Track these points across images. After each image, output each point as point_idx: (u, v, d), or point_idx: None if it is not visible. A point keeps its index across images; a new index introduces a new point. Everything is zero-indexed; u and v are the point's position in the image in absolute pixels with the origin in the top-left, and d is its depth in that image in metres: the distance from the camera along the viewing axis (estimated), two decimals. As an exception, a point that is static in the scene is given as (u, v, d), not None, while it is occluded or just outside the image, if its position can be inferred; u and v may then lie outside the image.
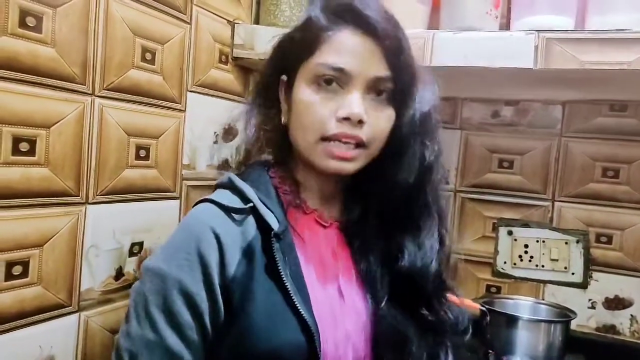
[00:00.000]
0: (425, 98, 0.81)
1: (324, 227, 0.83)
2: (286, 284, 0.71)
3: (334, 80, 0.75)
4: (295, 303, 0.70)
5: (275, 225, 0.73)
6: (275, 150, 0.86)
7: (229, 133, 1.28)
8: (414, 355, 0.79)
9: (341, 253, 0.83)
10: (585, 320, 1.50)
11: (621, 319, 1.48)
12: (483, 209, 1.61)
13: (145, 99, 0.94)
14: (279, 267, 0.71)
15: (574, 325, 1.47)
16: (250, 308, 0.70)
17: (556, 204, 1.55)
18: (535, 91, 1.48)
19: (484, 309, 1.31)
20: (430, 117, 0.81)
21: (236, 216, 0.74)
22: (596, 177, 1.51)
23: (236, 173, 0.82)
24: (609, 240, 1.50)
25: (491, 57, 1.18)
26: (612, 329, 1.49)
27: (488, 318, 1.30)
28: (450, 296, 1.28)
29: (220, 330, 0.71)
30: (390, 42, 0.76)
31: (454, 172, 1.64)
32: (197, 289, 0.70)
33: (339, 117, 0.75)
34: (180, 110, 1.04)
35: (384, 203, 0.81)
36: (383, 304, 0.79)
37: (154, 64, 0.94)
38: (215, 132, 1.23)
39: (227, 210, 0.74)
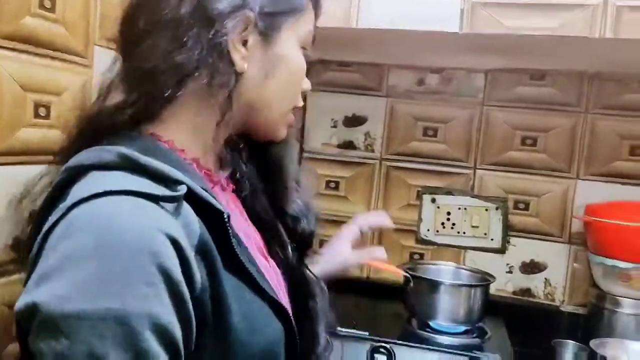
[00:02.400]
0: None
1: (225, 191, 0.74)
2: (252, 275, 0.60)
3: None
4: (266, 291, 0.62)
5: (221, 206, 0.58)
6: (197, 103, 0.63)
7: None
8: (319, 307, 0.76)
9: (244, 214, 0.76)
10: (503, 285, 1.55)
11: (536, 282, 1.54)
12: (408, 177, 1.62)
13: (44, 51, 0.84)
14: (241, 258, 0.59)
15: (492, 289, 1.51)
16: (226, 318, 0.56)
17: (478, 171, 1.57)
18: (460, 58, 1.48)
19: (407, 275, 1.31)
20: None
21: (168, 207, 0.53)
22: (515, 145, 1.54)
23: (105, 144, 0.59)
24: (527, 206, 1.54)
25: (418, 20, 1.16)
26: (527, 292, 1.54)
27: (411, 284, 1.31)
28: (373, 261, 1.27)
29: (193, 355, 0.54)
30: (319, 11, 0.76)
31: (379, 141, 1.63)
32: (170, 317, 0.50)
33: (304, 90, 0.74)
34: (85, 66, 0.94)
35: (266, 156, 0.78)
36: (290, 257, 0.76)
37: (54, 12, 0.85)
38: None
39: (157, 200, 0.52)
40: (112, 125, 0.61)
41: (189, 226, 0.54)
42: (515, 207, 1.55)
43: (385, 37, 1.27)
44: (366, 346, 1.22)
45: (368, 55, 1.58)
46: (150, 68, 0.60)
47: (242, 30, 0.63)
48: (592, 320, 1.40)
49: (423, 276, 1.33)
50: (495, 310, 1.43)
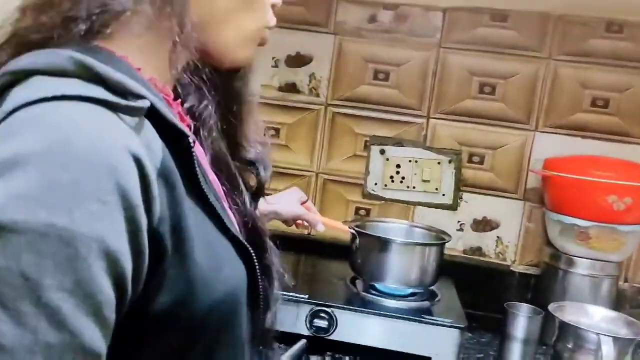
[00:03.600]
0: None
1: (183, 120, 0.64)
2: (217, 210, 0.54)
3: None
4: (230, 230, 0.55)
5: (186, 130, 0.51)
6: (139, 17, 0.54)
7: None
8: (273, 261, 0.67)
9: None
10: (454, 243, 1.44)
11: (487, 241, 1.44)
12: (355, 126, 1.47)
13: None
14: (205, 190, 0.52)
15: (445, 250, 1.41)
16: (189, 252, 0.49)
17: (431, 121, 1.44)
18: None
19: (353, 231, 1.18)
20: None
21: (128, 120, 0.46)
22: (473, 93, 1.42)
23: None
24: (481, 160, 1.43)
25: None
26: (478, 250, 1.45)
27: (357, 241, 1.18)
28: (322, 219, 1.16)
29: (144, 295, 0.47)
30: None
31: (325, 83, 1.47)
32: (121, 243, 0.43)
33: (274, 5, 0.64)
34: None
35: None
36: (248, 206, 0.67)
37: None
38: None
39: (117, 110, 0.45)
40: (57, 39, 0.50)
41: (150, 146, 0.47)
42: (469, 161, 1.43)
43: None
44: (305, 310, 1.09)
45: (314, -15, 1.39)
46: None
47: None
48: (545, 281, 1.32)
49: (372, 234, 1.20)
50: (446, 271, 1.32)
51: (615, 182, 1.18)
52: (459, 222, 1.45)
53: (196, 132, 0.65)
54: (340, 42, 1.45)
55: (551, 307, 1.07)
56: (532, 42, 1.38)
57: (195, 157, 0.51)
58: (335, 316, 1.09)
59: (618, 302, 1.29)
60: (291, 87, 1.48)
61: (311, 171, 1.49)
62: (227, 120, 0.68)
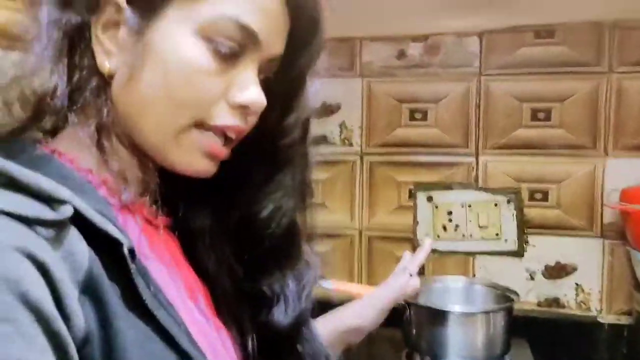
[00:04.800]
0: (312, 97, 0.59)
1: (153, 226, 0.57)
2: (159, 320, 0.47)
3: (238, 47, 0.51)
4: (178, 342, 0.48)
5: (121, 236, 0.45)
6: (66, 116, 0.50)
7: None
8: None
9: (181, 259, 0.59)
10: (525, 295, 1.25)
11: (565, 289, 1.24)
12: (396, 174, 1.32)
13: None
14: (145, 300, 0.46)
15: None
16: None
17: (481, 158, 1.27)
18: (446, 20, 1.18)
19: (402, 302, 1.02)
20: (310, 124, 0.60)
21: (44, 232, 0.41)
22: (525, 121, 1.24)
23: None
24: (545, 196, 1.24)
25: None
26: (555, 302, 1.25)
27: (409, 312, 1.02)
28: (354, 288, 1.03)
29: None
30: (305, 9, 0.53)
31: (357, 132, 1.33)
32: None
33: (235, 103, 0.52)
34: None
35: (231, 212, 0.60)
36: (250, 343, 0.59)
37: None
38: None
39: (30, 222, 0.40)
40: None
41: (73, 257, 0.42)
42: (531, 198, 1.25)
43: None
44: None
45: (333, 28, 1.27)
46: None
47: (104, 13, 0.49)
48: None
49: (424, 304, 1.03)
50: (518, 330, 1.14)
51: None
52: (528, 270, 1.26)
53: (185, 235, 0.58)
54: (369, 84, 1.32)
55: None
56: (587, 56, 1.20)
57: (131, 267, 0.45)
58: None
59: None
60: (321, 140, 1.35)
61: (353, 229, 1.34)
62: (234, 219, 0.59)
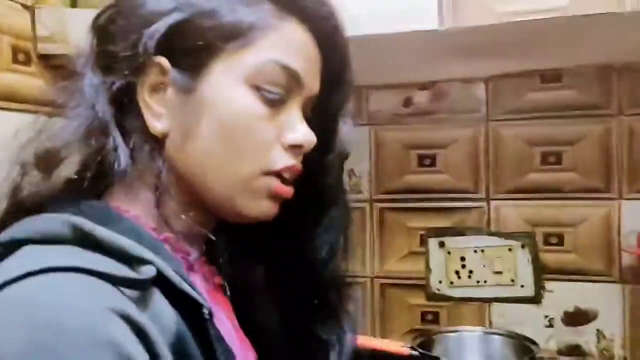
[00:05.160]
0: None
1: (214, 285, 0.58)
2: None
3: (284, 91, 0.52)
4: None
5: (200, 298, 0.46)
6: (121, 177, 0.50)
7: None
8: None
9: (235, 322, 0.58)
10: (544, 343, 1.21)
11: (586, 336, 1.20)
12: (406, 220, 1.31)
13: None
14: None
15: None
16: None
17: (492, 203, 1.26)
18: (452, 67, 1.19)
19: (416, 353, 0.99)
20: (345, 163, 0.62)
21: (129, 292, 0.41)
22: (535, 165, 1.23)
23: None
24: (560, 240, 1.22)
25: (386, 21, 0.87)
26: (576, 349, 1.21)
27: (424, 365, 0.99)
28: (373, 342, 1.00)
29: None
30: (336, 49, 0.55)
31: (366, 178, 1.33)
32: None
33: (289, 144, 0.53)
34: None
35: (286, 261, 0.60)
36: None
37: None
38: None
39: (117, 282, 0.40)
40: (58, 194, 0.48)
41: (160, 319, 0.42)
42: (546, 243, 1.23)
43: (354, 50, 0.99)
44: None
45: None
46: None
47: (149, 76, 0.49)
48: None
49: (439, 355, 1.00)
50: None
51: None
52: (546, 316, 1.22)
53: (236, 291, 0.58)
54: (377, 132, 1.32)
55: None
56: (596, 98, 1.19)
57: (211, 332, 0.45)
58: None
59: None
60: (331, 187, 1.35)
61: (365, 277, 1.33)
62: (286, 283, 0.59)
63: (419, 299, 1.29)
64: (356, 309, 0.65)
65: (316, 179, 0.57)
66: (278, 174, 0.52)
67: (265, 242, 0.59)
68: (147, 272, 0.42)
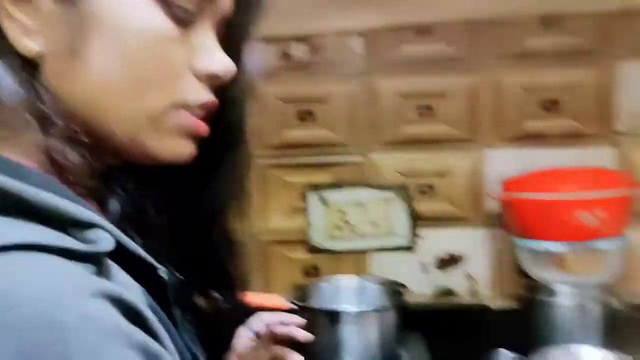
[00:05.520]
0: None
1: None
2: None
3: (195, 6, 0.43)
4: None
5: (154, 261, 0.40)
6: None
7: None
8: None
9: None
10: (420, 288, 1.27)
11: (457, 279, 1.27)
12: (286, 175, 1.30)
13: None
14: (180, 332, 0.43)
15: (409, 297, 1.23)
16: None
17: (370, 156, 1.28)
18: (327, 20, 1.18)
19: (293, 306, 1.00)
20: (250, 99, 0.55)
21: (91, 267, 0.34)
22: (411, 117, 1.26)
23: None
24: (432, 190, 1.27)
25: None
26: (449, 292, 1.28)
27: (301, 317, 1.00)
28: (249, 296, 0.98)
29: None
30: None
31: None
32: None
33: (204, 73, 0.44)
34: None
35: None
36: None
37: None
38: None
39: (78, 258, 0.33)
40: None
41: (129, 290, 0.35)
42: (420, 193, 1.27)
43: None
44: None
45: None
46: None
47: None
48: (526, 316, 1.15)
49: (313, 306, 1.02)
50: (413, 323, 1.15)
51: (583, 195, 1.02)
52: (421, 263, 1.28)
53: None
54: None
55: (533, 358, 0.89)
56: (463, 51, 1.23)
57: (170, 296, 0.41)
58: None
59: (612, 327, 1.12)
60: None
61: (246, 233, 1.31)
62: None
63: (300, 254, 1.30)
64: (243, 266, 0.61)
65: (217, 116, 0.49)
66: (190, 108, 0.44)
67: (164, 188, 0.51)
68: (103, 240, 0.35)
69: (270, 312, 0.92)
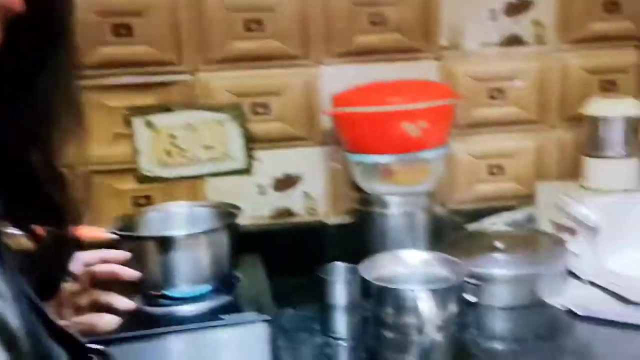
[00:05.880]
0: None
1: None
2: None
3: None
4: None
5: None
6: None
7: None
8: None
9: None
10: (260, 210, 1.25)
11: (295, 199, 1.27)
12: (105, 99, 1.17)
13: None
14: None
15: (247, 219, 1.21)
16: None
17: (199, 75, 1.20)
18: None
19: (115, 237, 0.92)
20: None
21: None
22: (239, 32, 1.19)
23: None
24: (267, 110, 1.23)
25: None
26: (287, 212, 1.27)
27: (126, 249, 0.93)
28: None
29: None
30: None
31: (53, 53, 1.14)
32: None
33: None
34: None
35: None
36: None
37: None
38: None
39: None
40: None
41: None
42: (254, 113, 1.22)
43: None
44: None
45: None
46: None
47: None
48: (360, 229, 1.18)
49: (139, 234, 0.95)
50: (253, 245, 1.13)
51: (405, 106, 1.05)
52: (258, 185, 1.25)
53: None
54: (59, -4, 1.13)
55: (362, 266, 0.92)
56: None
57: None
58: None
59: (439, 232, 1.20)
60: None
61: (66, 167, 1.18)
62: None
63: (129, 184, 1.21)
64: (69, 198, 0.52)
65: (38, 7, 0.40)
66: None
67: None
68: None
69: (89, 250, 0.84)
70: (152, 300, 0.95)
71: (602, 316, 1.01)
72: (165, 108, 1.19)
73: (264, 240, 1.20)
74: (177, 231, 0.96)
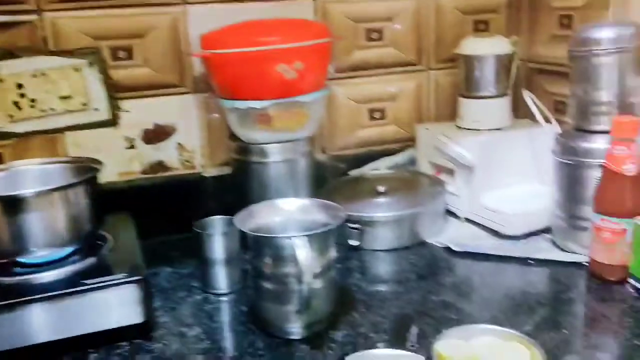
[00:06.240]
0: None
1: None
2: None
3: None
4: None
5: None
6: None
7: None
8: None
9: None
10: (128, 166, 1.15)
11: (168, 151, 1.18)
12: None
13: None
14: None
15: (114, 176, 1.11)
16: None
17: (45, 15, 1.05)
18: None
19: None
20: None
21: None
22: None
23: None
24: (130, 54, 1.11)
25: None
26: (160, 165, 1.18)
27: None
28: None
29: None
30: None
31: None
32: None
33: None
34: None
35: None
36: None
37: None
38: None
39: None
40: None
41: None
42: (115, 58, 1.11)
43: None
44: None
45: None
46: None
47: None
48: (239, 180, 1.12)
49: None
50: (121, 203, 1.04)
51: (279, 46, 0.98)
52: (126, 138, 1.14)
53: None
54: None
55: (237, 218, 0.86)
56: None
57: None
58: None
59: (321, 179, 1.17)
60: None
61: None
62: None
63: (-29, 142, 1.06)
64: None
65: None
66: None
67: None
68: None
69: None
70: (3, 270, 0.84)
71: (478, 250, 1.04)
72: (10, 54, 1.04)
73: (136, 197, 1.11)
74: (25, 190, 0.85)
